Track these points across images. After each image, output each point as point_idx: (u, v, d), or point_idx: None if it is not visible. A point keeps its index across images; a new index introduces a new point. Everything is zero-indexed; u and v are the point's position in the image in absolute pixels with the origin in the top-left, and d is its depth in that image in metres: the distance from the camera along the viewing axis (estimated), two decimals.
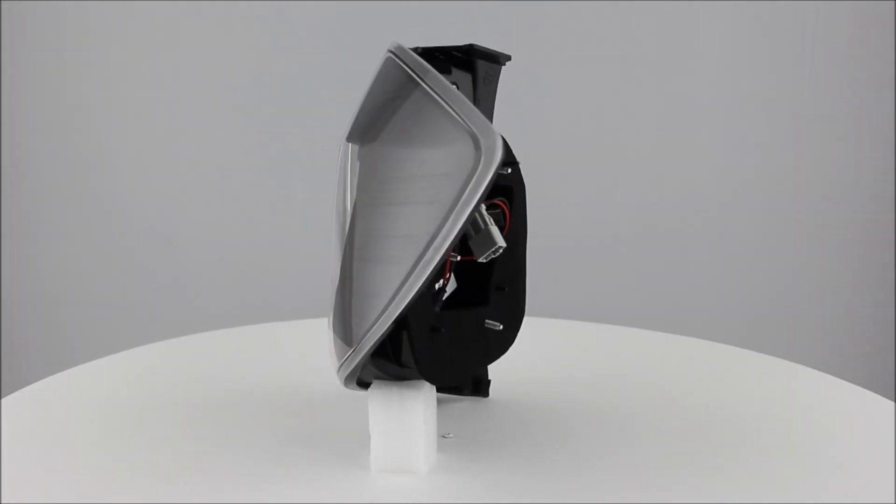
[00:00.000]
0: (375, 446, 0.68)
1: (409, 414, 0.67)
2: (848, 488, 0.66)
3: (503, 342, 0.72)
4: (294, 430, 0.76)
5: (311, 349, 0.93)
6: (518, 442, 0.74)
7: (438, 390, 0.83)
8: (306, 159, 1.72)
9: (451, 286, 0.71)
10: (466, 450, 0.72)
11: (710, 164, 1.74)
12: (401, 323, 0.62)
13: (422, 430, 0.67)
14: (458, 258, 0.68)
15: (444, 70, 0.69)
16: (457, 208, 0.60)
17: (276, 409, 0.81)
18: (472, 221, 0.64)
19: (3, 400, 0.83)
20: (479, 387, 0.83)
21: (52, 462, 0.70)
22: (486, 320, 0.70)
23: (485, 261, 0.66)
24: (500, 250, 0.66)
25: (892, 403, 0.81)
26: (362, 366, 0.65)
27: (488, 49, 0.71)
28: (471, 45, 0.70)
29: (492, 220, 0.67)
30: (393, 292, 0.61)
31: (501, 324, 0.71)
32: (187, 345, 1.03)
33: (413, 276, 0.61)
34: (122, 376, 0.92)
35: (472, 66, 0.71)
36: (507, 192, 0.71)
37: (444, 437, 0.74)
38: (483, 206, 0.66)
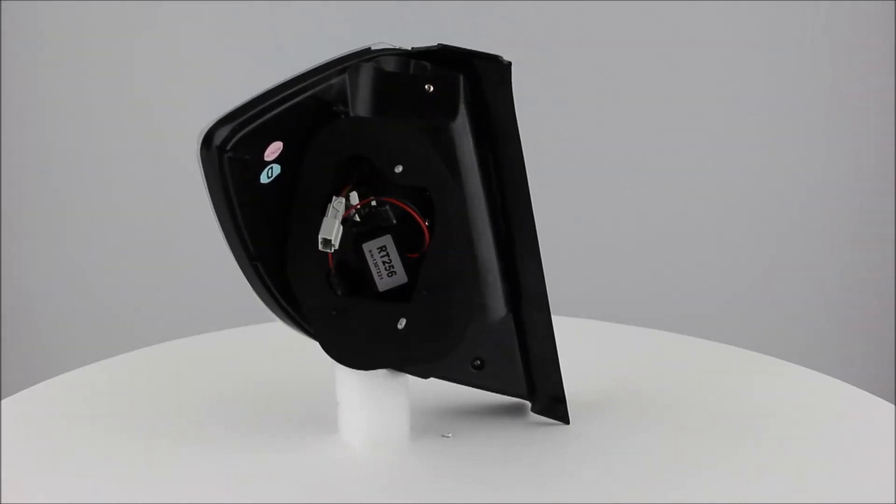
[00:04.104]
0: (340, 415, 0.73)
1: (346, 389, 0.71)
2: (848, 489, 0.66)
3: (437, 346, 0.70)
4: (292, 423, 0.76)
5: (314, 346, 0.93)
6: (516, 441, 0.74)
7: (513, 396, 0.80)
8: None
9: (399, 280, 0.70)
10: (459, 448, 0.72)
11: (712, 165, 1.74)
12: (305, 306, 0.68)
13: (356, 405, 0.71)
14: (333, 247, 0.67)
15: (422, 71, 0.70)
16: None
17: (276, 408, 0.81)
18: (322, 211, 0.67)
19: (3, 401, 0.83)
20: (550, 406, 0.77)
21: (52, 463, 0.70)
22: (401, 318, 0.69)
23: (324, 250, 0.66)
24: (328, 243, 0.66)
25: (892, 406, 0.81)
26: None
27: (465, 49, 0.70)
28: (442, 45, 0.70)
29: (338, 213, 0.66)
30: None
31: (426, 327, 0.69)
32: (189, 346, 1.03)
33: None
34: (122, 378, 0.91)
35: (472, 67, 0.71)
36: (416, 193, 0.69)
37: (443, 436, 0.74)
38: (341, 199, 0.67)
